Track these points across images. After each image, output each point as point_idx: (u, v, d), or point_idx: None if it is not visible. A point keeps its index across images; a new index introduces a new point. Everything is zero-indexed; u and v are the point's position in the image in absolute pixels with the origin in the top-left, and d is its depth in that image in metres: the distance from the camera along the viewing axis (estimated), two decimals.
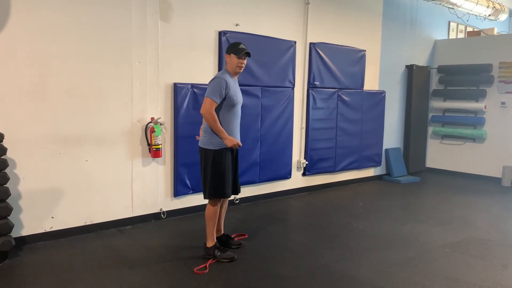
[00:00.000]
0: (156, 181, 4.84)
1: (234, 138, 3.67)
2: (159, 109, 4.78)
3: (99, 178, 4.41)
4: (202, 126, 3.79)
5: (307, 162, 6.35)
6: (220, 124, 3.62)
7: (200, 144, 3.76)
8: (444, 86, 8.27)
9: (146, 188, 4.76)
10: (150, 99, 4.70)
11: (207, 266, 3.61)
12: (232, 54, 3.69)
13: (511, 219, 5.37)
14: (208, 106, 3.56)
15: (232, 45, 3.76)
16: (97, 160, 4.38)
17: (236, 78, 3.82)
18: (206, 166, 3.70)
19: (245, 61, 3.74)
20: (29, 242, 4.02)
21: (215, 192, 3.70)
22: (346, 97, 6.75)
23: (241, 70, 3.77)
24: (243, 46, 3.71)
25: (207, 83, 3.75)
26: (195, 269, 3.55)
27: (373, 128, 7.29)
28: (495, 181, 7.56)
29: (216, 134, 3.63)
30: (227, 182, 3.70)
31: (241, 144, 3.73)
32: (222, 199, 3.83)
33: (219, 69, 5.17)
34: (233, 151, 3.80)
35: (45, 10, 3.93)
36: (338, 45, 6.56)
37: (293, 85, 6.02)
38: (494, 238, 4.58)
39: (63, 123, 4.13)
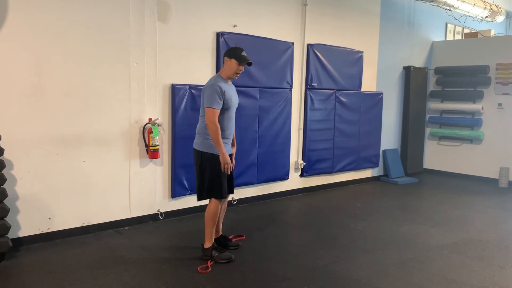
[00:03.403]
0: (154, 182, 4.84)
1: (228, 159, 3.65)
2: (157, 110, 4.78)
3: (96, 179, 4.40)
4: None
5: (305, 163, 6.36)
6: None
7: (195, 146, 3.79)
8: (442, 88, 8.29)
9: (143, 189, 4.75)
10: (147, 100, 4.69)
11: (209, 265, 3.63)
12: (233, 59, 3.69)
13: (508, 220, 5.39)
14: (211, 116, 3.59)
15: (234, 50, 3.74)
16: (95, 161, 4.37)
17: (229, 82, 3.82)
18: (202, 168, 3.72)
19: (243, 69, 3.78)
20: (26, 243, 4.00)
21: (210, 193, 3.74)
22: (344, 98, 6.76)
23: (237, 77, 3.79)
24: (245, 55, 3.73)
25: (203, 85, 3.75)
26: (199, 268, 3.57)
27: (370, 129, 7.29)
28: (492, 182, 7.57)
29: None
30: (223, 183, 3.73)
31: (231, 168, 3.73)
32: (223, 200, 3.84)
33: (217, 70, 5.17)
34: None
35: (43, 11, 3.92)
36: (335, 46, 6.57)
37: (291, 86, 6.02)
38: (491, 239, 4.59)
39: (61, 124, 4.12)
